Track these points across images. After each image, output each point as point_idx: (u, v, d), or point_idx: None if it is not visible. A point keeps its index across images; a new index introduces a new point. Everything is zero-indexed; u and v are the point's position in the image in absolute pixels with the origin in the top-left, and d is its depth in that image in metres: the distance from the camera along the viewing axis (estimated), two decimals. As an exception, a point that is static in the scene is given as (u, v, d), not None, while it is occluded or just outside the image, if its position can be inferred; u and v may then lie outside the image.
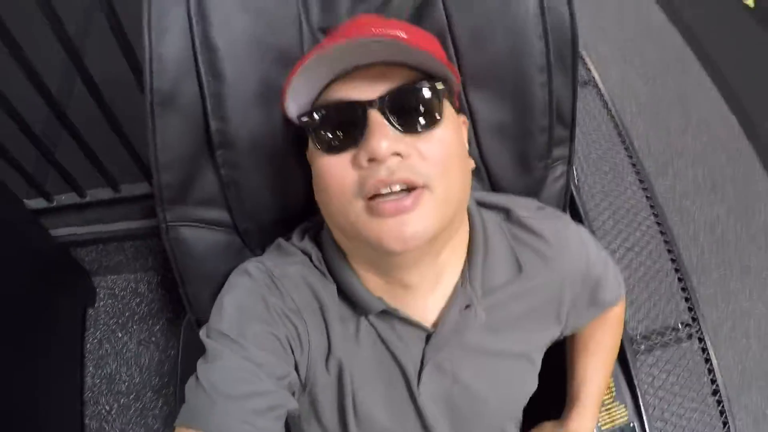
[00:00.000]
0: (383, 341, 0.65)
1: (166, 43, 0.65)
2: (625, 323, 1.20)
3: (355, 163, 0.54)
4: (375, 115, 0.54)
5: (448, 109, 0.59)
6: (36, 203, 1.38)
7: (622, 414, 0.99)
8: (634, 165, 1.56)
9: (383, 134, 0.53)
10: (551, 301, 0.70)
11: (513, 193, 0.80)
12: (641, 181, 1.57)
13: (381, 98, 0.54)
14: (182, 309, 0.99)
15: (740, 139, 2.06)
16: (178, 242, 0.75)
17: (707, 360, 1.28)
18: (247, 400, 0.55)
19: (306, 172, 0.71)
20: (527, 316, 0.69)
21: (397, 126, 0.54)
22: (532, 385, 0.75)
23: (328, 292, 0.64)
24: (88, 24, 1.83)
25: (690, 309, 1.29)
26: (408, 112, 0.55)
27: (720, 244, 1.84)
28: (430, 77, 0.58)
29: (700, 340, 1.27)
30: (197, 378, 0.57)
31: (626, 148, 1.63)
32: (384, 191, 0.53)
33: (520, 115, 0.76)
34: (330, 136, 0.56)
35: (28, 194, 1.38)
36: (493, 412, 0.72)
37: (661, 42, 2.34)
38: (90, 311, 1.64)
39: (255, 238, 0.77)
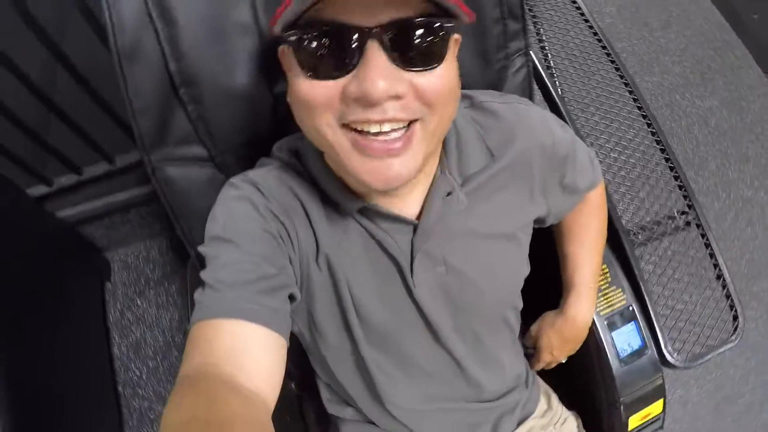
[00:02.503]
0: (372, 237, 0.67)
1: (121, 1, 0.68)
2: (621, 217, 1.22)
3: (344, 93, 0.51)
4: (373, 47, 0.49)
5: (452, 45, 0.55)
6: (37, 190, 1.42)
7: (620, 298, 1.01)
8: (613, 62, 1.54)
9: (380, 72, 0.49)
10: (522, 177, 0.72)
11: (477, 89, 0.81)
12: (621, 77, 1.55)
13: (382, 27, 0.49)
14: (186, 255, 1.03)
15: (726, 31, 2.03)
16: (165, 181, 0.79)
17: (707, 245, 1.29)
18: (252, 284, 0.56)
19: (272, 101, 0.75)
20: (504, 196, 0.71)
21: (396, 62, 0.50)
22: (523, 267, 0.77)
23: (311, 195, 0.66)
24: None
25: (685, 197, 1.30)
26: (410, 47, 0.50)
27: (715, 136, 1.84)
28: (438, 11, 0.52)
29: (698, 226, 1.28)
30: (202, 283, 0.58)
31: (603, 47, 1.60)
32: (373, 130, 0.52)
33: (474, 8, 0.78)
34: (318, 60, 0.51)
35: (27, 183, 1.42)
36: (489, 299, 0.74)
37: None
38: (108, 285, 1.69)
39: (235, 168, 0.80)
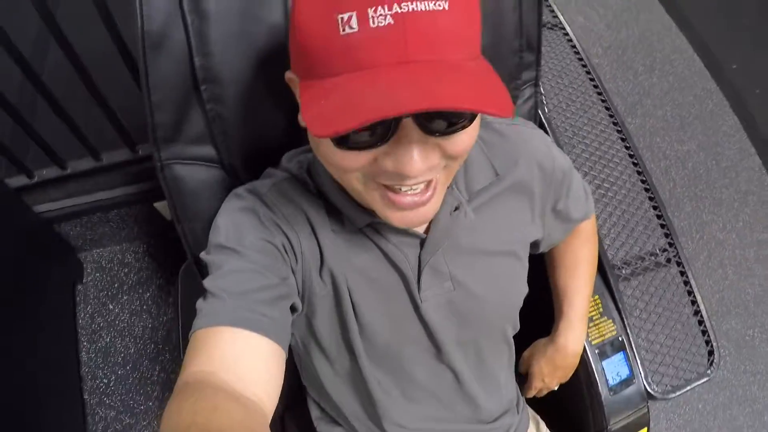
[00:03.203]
0: (380, 250, 0.67)
1: None
2: (606, 251, 1.25)
3: (378, 164, 0.51)
4: (408, 124, 0.48)
5: None
6: (17, 181, 1.37)
7: (611, 329, 1.03)
8: (603, 101, 1.60)
9: (416, 150, 0.49)
10: (524, 197, 0.74)
11: None
12: (611, 116, 1.61)
13: (421, 114, 0.48)
14: (175, 266, 1.01)
15: (706, 79, 2.12)
16: (173, 180, 0.77)
17: (686, 282, 1.34)
18: (254, 294, 0.56)
19: (289, 107, 0.74)
20: (508, 213, 0.73)
21: (428, 131, 0.49)
22: (524, 285, 0.78)
23: (316, 208, 0.66)
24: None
25: (667, 235, 1.34)
26: (443, 122, 0.49)
27: (691, 178, 1.90)
28: None
29: (678, 263, 1.33)
30: (205, 291, 0.58)
31: (595, 86, 1.66)
32: (404, 189, 0.53)
33: (496, 38, 0.81)
34: (351, 136, 0.49)
35: (7, 172, 1.36)
36: (493, 313, 0.75)
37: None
38: (79, 287, 1.63)
39: (242, 174, 0.79)
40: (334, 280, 0.66)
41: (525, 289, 0.79)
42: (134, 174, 1.44)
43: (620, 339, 1.03)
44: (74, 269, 1.62)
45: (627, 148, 1.47)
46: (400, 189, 0.53)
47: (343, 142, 0.49)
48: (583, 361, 0.97)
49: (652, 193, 1.42)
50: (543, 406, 1.02)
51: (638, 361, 1.03)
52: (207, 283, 0.58)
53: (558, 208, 0.79)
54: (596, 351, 1.00)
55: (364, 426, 0.81)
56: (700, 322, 1.30)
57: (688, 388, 1.18)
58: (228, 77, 0.70)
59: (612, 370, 1.00)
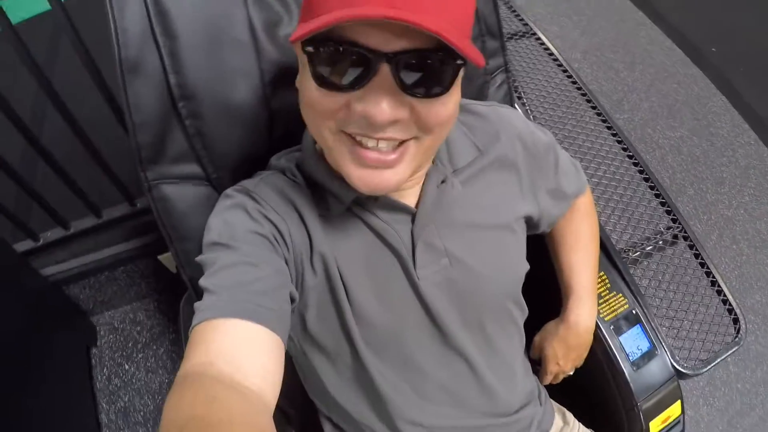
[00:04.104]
0: (372, 229, 0.67)
1: (127, 16, 0.70)
2: (610, 236, 1.24)
3: (350, 107, 0.53)
4: (384, 71, 0.50)
5: (459, 80, 0.56)
6: (23, 245, 1.39)
7: (622, 303, 1.01)
8: (588, 100, 1.61)
9: (387, 97, 0.51)
10: (510, 172, 0.75)
11: None
12: (598, 113, 1.62)
13: (396, 53, 0.49)
14: (179, 293, 1.01)
15: (688, 65, 2.14)
16: (161, 200, 0.78)
17: (697, 255, 1.31)
18: (249, 285, 0.56)
19: (268, 116, 0.77)
20: (496, 188, 0.73)
21: (403, 87, 0.51)
22: (522, 260, 0.78)
23: (304, 198, 0.67)
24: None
25: (669, 212, 1.32)
26: (420, 76, 0.51)
27: (689, 162, 1.90)
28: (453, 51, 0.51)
29: (686, 238, 1.30)
30: (200, 291, 0.58)
31: (578, 88, 1.68)
32: (371, 144, 0.54)
33: None
34: (330, 74, 0.52)
35: (12, 238, 1.39)
36: (493, 289, 0.74)
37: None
38: (93, 350, 1.63)
39: (229, 186, 0.80)
40: (325, 265, 0.66)
41: (525, 266, 0.78)
42: (135, 228, 1.47)
43: (634, 312, 1.00)
44: (87, 333, 1.62)
45: (619, 141, 1.47)
46: (367, 144, 0.54)
47: (320, 77, 0.52)
48: (599, 339, 0.94)
49: (650, 180, 1.40)
50: (568, 396, 0.98)
51: (658, 333, 1.00)
52: (202, 281, 0.58)
53: (551, 186, 0.80)
54: (611, 327, 0.97)
55: (379, 428, 0.78)
56: (719, 292, 1.26)
57: (719, 360, 1.13)
58: (202, 92, 0.73)
59: (631, 344, 0.97)
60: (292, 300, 0.62)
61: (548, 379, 0.95)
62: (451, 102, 0.55)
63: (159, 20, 0.71)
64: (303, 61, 0.56)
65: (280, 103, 0.77)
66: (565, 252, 0.91)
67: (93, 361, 1.61)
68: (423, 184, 0.68)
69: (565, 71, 1.73)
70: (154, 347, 1.64)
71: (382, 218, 0.67)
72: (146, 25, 0.71)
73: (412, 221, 0.67)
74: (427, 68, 0.51)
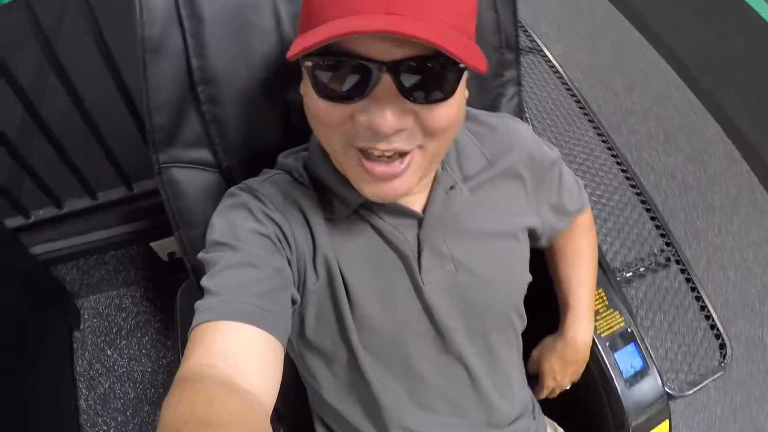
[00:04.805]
0: (378, 232, 0.67)
1: None
2: (605, 256, 1.25)
3: (354, 118, 0.53)
4: (386, 81, 0.50)
5: (462, 83, 0.56)
6: (13, 222, 1.37)
7: (619, 321, 1.02)
8: (591, 121, 1.63)
9: (391, 107, 0.51)
10: (517, 183, 0.75)
11: None
12: (600, 135, 1.64)
13: (397, 63, 0.49)
14: (173, 309, 1.00)
15: (685, 91, 2.18)
16: (171, 184, 0.78)
17: (688, 280, 1.34)
18: (251, 287, 0.56)
19: (284, 107, 0.77)
20: (503, 198, 0.74)
21: (406, 94, 0.51)
22: (527, 270, 0.78)
23: (310, 200, 0.67)
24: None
25: (663, 235, 1.35)
26: (422, 83, 0.51)
27: (682, 188, 1.93)
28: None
29: (678, 262, 1.33)
30: (202, 290, 0.58)
31: (581, 107, 1.70)
32: (377, 153, 0.54)
33: (476, 34, 0.84)
34: (331, 86, 0.52)
35: (3, 214, 1.36)
36: (498, 297, 0.74)
37: (593, 15, 2.48)
38: (76, 333, 1.60)
39: (239, 177, 0.80)
40: (328, 268, 0.66)
41: (528, 276, 0.78)
42: (130, 213, 1.45)
43: (629, 330, 1.01)
44: (71, 315, 1.59)
45: (618, 163, 1.49)
46: (374, 154, 0.54)
47: (322, 90, 0.53)
48: (595, 355, 0.95)
49: (647, 203, 1.43)
50: (559, 411, 0.99)
51: (650, 352, 1.01)
52: (204, 281, 0.58)
53: (554, 202, 0.81)
54: (606, 344, 0.98)
55: None
56: (707, 317, 1.28)
57: (705, 383, 1.15)
58: (223, 78, 0.72)
59: (625, 361, 0.98)
60: (293, 302, 0.62)
61: (544, 394, 0.95)
62: (455, 106, 0.55)
63: (186, 2, 0.70)
64: (304, 76, 0.57)
65: (298, 95, 0.77)
66: (564, 268, 0.91)
67: (75, 344, 1.59)
68: (431, 189, 0.68)
69: (568, 89, 1.75)
70: (139, 335, 1.62)
71: (388, 222, 0.67)
72: (172, 6, 0.70)
73: (419, 226, 0.68)
74: (429, 74, 0.51)
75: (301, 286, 0.66)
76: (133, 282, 1.66)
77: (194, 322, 0.54)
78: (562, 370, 0.92)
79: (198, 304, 0.56)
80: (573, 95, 1.71)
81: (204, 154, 0.78)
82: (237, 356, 0.51)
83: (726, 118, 2.09)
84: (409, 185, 0.58)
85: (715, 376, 1.18)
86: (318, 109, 0.55)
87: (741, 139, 2.05)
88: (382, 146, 0.53)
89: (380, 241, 0.68)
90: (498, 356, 0.78)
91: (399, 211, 0.67)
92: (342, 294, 0.66)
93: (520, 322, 0.81)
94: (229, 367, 0.50)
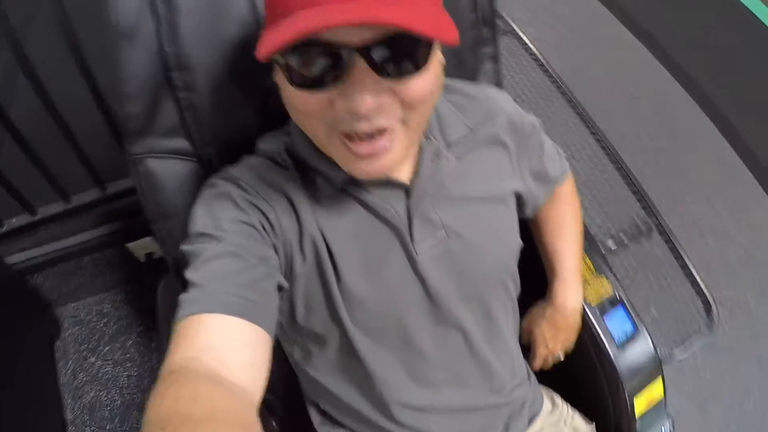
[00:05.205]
0: (367, 207, 0.67)
1: None
2: (589, 229, 1.26)
3: (332, 104, 0.53)
4: (359, 63, 0.50)
5: (435, 53, 0.56)
6: (-13, 232, 1.32)
7: (606, 287, 1.02)
8: (570, 101, 1.64)
9: (367, 88, 0.51)
10: (500, 148, 0.75)
11: None
12: (577, 112, 1.65)
13: (368, 44, 0.50)
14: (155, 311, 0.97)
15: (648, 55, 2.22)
16: (146, 175, 0.76)
17: (671, 247, 1.35)
18: (235, 277, 0.55)
19: (262, 92, 0.74)
20: (488, 163, 0.74)
21: (381, 73, 0.51)
22: (517, 235, 0.78)
23: (292, 181, 0.66)
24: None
25: (643, 206, 1.36)
26: (395, 59, 0.51)
27: (652, 155, 1.96)
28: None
29: (660, 229, 1.34)
30: (185, 283, 0.57)
31: (558, 87, 1.71)
32: (361, 134, 0.54)
33: (452, 10, 0.83)
34: (305, 75, 0.52)
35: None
36: (491, 262, 0.74)
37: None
38: (57, 343, 1.56)
39: (218, 165, 0.78)
40: (315, 248, 0.65)
41: (518, 240, 0.78)
42: (104, 215, 1.41)
43: (618, 296, 1.02)
44: (51, 325, 1.55)
45: (593, 133, 1.50)
46: (357, 135, 0.54)
47: (297, 81, 0.53)
48: (586, 323, 0.96)
49: (626, 175, 1.44)
50: (554, 382, 0.99)
51: (640, 317, 1.02)
52: (187, 273, 0.57)
53: (536, 168, 0.81)
54: (597, 311, 0.98)
55: (371, 417, 0.77)
56: (693, 283, 1.30)
57: (693, 346, 1.17)
58: (199, 65, 0.70)
59: (616, 327, 0.98)
60: (280, 288, 0.61)
61: (539, 363, 0.95)
62: (431, 76, 0.55)
63: None
64: (277, 69, 0.57)
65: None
66: (550, 237, 0.92)
67: (57, 354, 1.55)
68: (417, 159, 0.68)
69: (543, 69, 1.76)
70: (122, 339, 1.58)
71: (377, 195, 0.67)
72: None
73: (407, 196, 0.67)
74: (401, 51, 0.51)
75: (289, 270, 0.65)
76: (111, 286, 1.62)
77: (178, 315, 0.53)
78: (554, 336, 0.92)
79: (181, 297, 0.55)
80: (549, 75, 1.72)
81: (181, 143, 0.76)
82: (222, 348, 0.51)
83: (695, 85, 2.12)
84: (395, 159, 0.58)
85: (703, 339, 1.20)
86: (295, 99, 0.55)
87: (711, 106, 2.08)
88: (365, 126, 0.53)
89: (370, 215, 0.67)
90: (495, 321, 0.78)
91: (386, 184, 0.66)
92: (330, 273, 0.65)
93: (514, 287, 0.81)
94: (213, 359, 0.49)
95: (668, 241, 1.33)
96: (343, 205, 0.67)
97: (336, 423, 0.82)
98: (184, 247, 0.61)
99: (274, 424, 0.93)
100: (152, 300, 1.03)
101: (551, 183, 0.86)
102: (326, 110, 0.54)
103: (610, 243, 1.35)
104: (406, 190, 0.67)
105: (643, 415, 0.98)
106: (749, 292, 1.69)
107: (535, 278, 0.94)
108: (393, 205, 0.67)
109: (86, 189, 1.37)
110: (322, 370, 0.75)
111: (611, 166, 1.51)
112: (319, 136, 0.58)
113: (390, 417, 0.75)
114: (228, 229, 0.59)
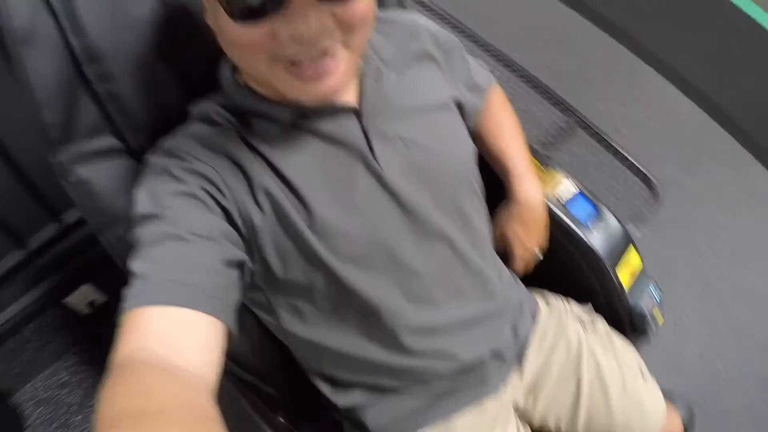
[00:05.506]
0: (321, 136, 0.66)
1: None
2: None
3: (276, 34, 0.53)
4: None
5: None
6: None
7: (558, 179, 1.05)
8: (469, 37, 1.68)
9: (308, 12, 0.51)
10: (430, 62, 0.79)
11: None
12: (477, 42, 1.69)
13: None
14: (108, 338, 0.90)
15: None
16: (79, 185, 0.70)
17: (599, 140, 1.41)
18: (178, 263, 0.54)
19: (181, 67, 0.73)
20: (424, 77, 0.77)
21: None
22: (468, 138, 0.81)
23: (231, 135, 0.65)
24: None
25: (562, 109, 1.41)
26: None
27: (559, 73, 2.03)
28: None
29: (582, 124, 1.40)
30: (131, 272, 0.55)
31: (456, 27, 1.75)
32: (305, 60, 0.55)
33: None
34: (244, 6, 0.52)
35: None
36: (454, 164, 0.75)
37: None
38: None
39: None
40: (271, 197, 0.63)
41: (471, 143, 0.80)
42: (33, 275, 1.30)
43: (572, 183, 1.05)
44: (14, 417, 1.41)
45: (490, 53, 1.55)
46: (302, 61, 0.55)
47: (238, 12, 0.53)
48: (552, 216, 0.98)
49: (538, 86, 1.50)
50: (540, 284, 1.01)
51: (596, 197, 1.06)
52: (131, 265, 0.55)
53: (464, 79, 0.84)
54: (557, 201, 1.01)
55: (379, 359, 0.75)
56: (630, 166, 1.37)
57: (646, 221, 1.23)
58: (109, 51, 0.67)
59: (579, 211, 1.01)
60: (239, 264, 0.60)
61: (520, 265, 0.96)
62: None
63: None
64: (212, 4, 0.55)
65: (193, 48, 0.73)
66: (494, 140, 0.94)
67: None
68: (360, 81, 0.69)
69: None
70: (90, 403, 1.47)
71: (329, 123, 0.66)
72: None
73: (359, 117, 0.68)
74: None
75: (251, 229, 0.63)
76: (62, 352, 1.50)
77: (123, 310, 0.52)
78: (526, 232, 0.93)
79: (125, 290, 0.53)
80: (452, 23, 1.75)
81: (108, 141, 0.72)
82: (169, 335, 0.50)
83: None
84: (340, 80, 0.58)
85: (651, 211, 1.26)
86: (236, 34, 0.55)
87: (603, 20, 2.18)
88: (310, 51, 0.54)
89: (327, 144, 0.66)
90: (473, 227, 0.79)
91: (336, 110, 0.66)
92: (295, 216, 0.64)
93: (481, 191, 0.83)
94: (161, 346, 0.48)
95: (594, 134, 1.40)
96: (297, 141, 0.65)
97: (348, 386, 0.80)
98: (130, 233, 0.59)
99: (281, 419, 0.89)
100: (109, 349, 0.96)
101: (482, 90, 0.89)
102: (268, 41, 0.54)
103: (539, 148, 1.40)
104: (356, 112, 0.67)
105: (631, 287, 1.03)
106: (675, 168, 1.79)
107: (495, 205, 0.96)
108: (347, 128, 0.67)
109: (6, 252, 1.25)
110: (317, 326, 0.73)
111: (525, 86, 1.57)
112: (261, 70, 0.57)
113: (399, 348, 0.74)
114: (170, 205, 0.58)
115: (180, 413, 0.42)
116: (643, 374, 0.90)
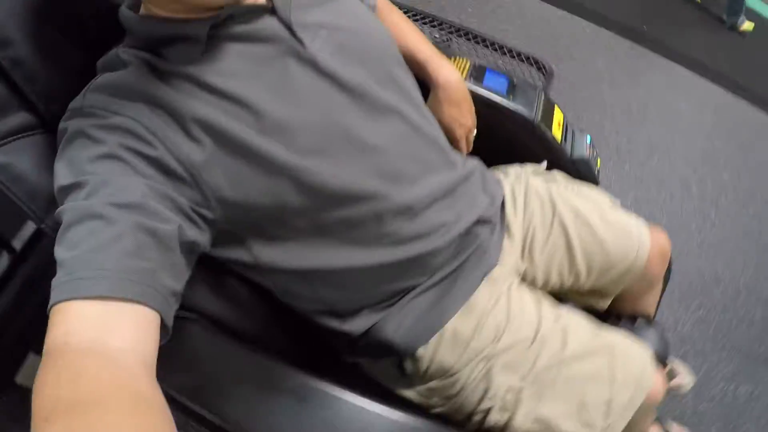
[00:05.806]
0: (243, 39, 0.65)
1: None
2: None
3: None
4: None
5: None
6: None
7: (464, 63, 1.09)
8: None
9: None
10: None
11: None
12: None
13: None
14: None
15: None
16: (2, 171, 0.65)
17: (477, 41, 1.47)
18: (103, 250, 0.50)
19: (79, 19, 0.70)
20: None
21: None
22: (379, 23, 0.82)
23: (146, 72, 0.61)
24: None
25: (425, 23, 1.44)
26: None
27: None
28: None
29: (459, 33, 1.45)
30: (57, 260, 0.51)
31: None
32: None
33: None
34: None
35: None
36: (380, 39, 0.77)
37: None
38: None
39: None
40: (206, 124, 0.60)
41: (384, 29, 0.82)
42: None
43: (477, 63, 1.09)
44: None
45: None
46: None
47: None
48: (473, 95, 0.98)
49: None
50: (486, 158, 1.01)
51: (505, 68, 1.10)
52: (56, 252, 0.51)
53: None
54: (472, 79, 1.05)
55: (375, 258, 0.74)
56: (515, 55, 1.43)
57: (548, 87, 1.31)
58: (3, 16, 0.63)
59: (495, 83, 1.05)
60: (177, 228, 0.56)
61: (463, 144, 0.98)
62: None
63: None
64: None
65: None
66: (395, 37, 0.92)
67: None
68: None
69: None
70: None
71: (248, 25, 0.65)
72: None
73: (274, 14, 0.67)
74: None
75: (190, 169, 0.59)
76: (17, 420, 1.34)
77: (51, 301, 0.49)
78: (458, 111, 0.95)
79: (54, 281, 0.50)
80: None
81: (22, 118, 0.68)
82: (99, 318, 0.47)
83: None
84: None
85: (549, 85, 1.34)
86: None
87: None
88: None
89: (251, 45, 0.65)
90: (415, 101, 0.80)
91: (250, 12, 0.65)
92: (239, 129, 0.61)
93: (410, 71, 0.84)
94: (92, 327, 0.46)
95: (469, 37, 1.46)
96: (221, 51, 0.63)
97: (354, 311, 0.79)
98: (57, 213, 0.54)
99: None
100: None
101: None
102: None
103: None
104: (270, 9, 0.67)
105: (563, 137, 1.08)
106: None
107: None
108: (268, 24, 0.66)
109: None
110: (299, 251, 0.70)
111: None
112: None
113: (390, 241, 0.73)
114: (91, 170, 0.55)
115: (115, 398, 0.41)
116: (615, 205, 0.96)
